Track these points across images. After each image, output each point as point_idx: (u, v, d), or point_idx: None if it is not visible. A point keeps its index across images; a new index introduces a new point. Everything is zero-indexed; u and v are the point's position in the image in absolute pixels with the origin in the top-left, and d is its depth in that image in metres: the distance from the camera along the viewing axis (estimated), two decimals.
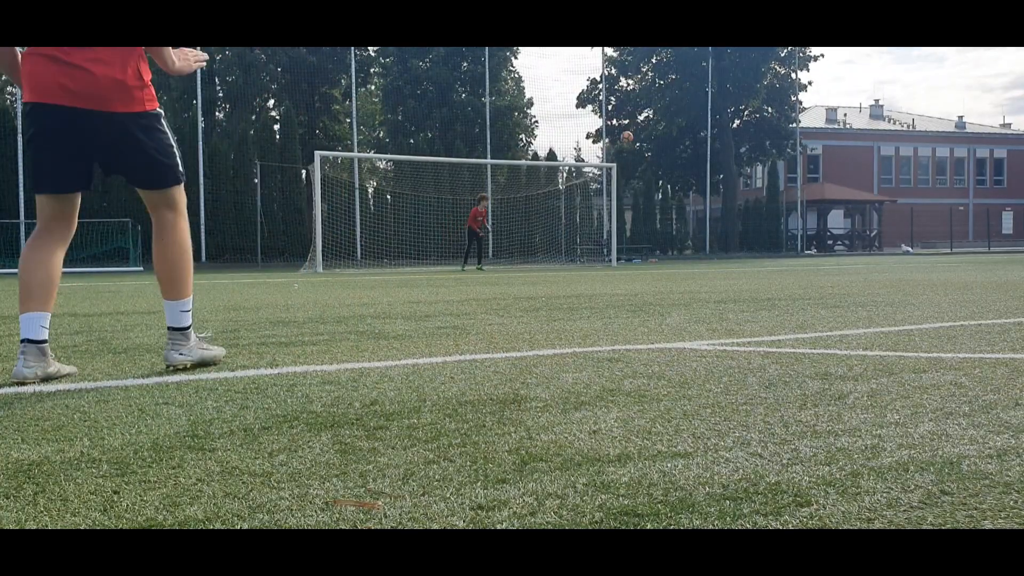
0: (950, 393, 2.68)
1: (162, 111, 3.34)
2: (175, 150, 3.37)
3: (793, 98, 39.93)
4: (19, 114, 24.59)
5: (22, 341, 3.07)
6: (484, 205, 20.70)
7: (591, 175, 40.04)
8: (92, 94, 3.10)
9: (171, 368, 3.32)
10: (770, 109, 40.07)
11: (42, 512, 1.56)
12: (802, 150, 44.24)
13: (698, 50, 36.07)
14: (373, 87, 38.30)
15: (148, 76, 3.26)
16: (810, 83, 56.69)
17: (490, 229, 21.20)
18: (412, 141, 33.24)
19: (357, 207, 27.99)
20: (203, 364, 3.39)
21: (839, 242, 44.81)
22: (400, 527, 1.47)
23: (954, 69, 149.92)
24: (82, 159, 3.20)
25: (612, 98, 41.17)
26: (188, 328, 3.39)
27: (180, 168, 3.41)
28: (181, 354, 3.33)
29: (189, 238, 3.47)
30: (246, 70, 33.27)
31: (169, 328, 3.37)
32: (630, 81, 42.40)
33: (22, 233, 23.76)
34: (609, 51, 39.88)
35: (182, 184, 3.44)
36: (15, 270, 18.78)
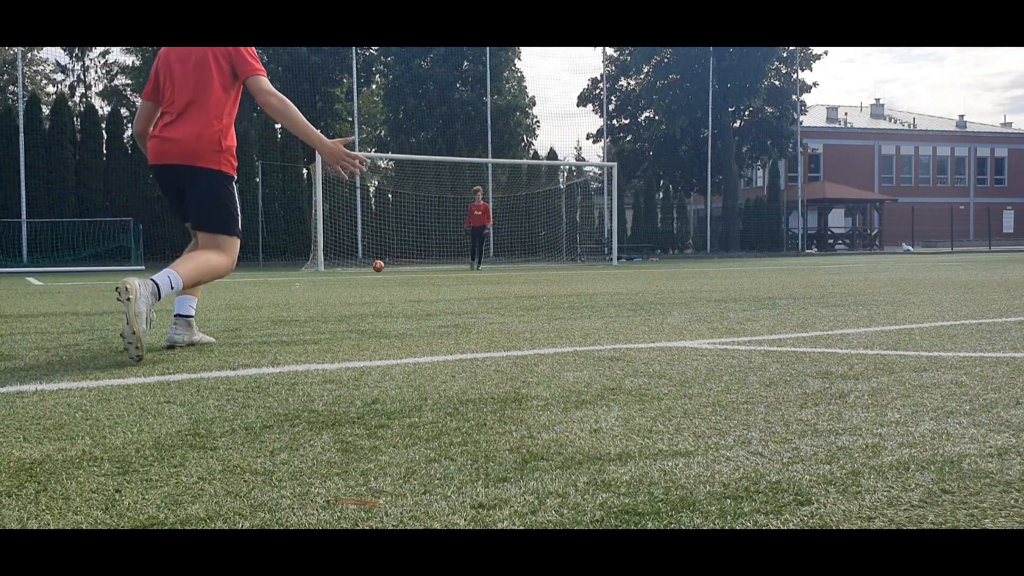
0: (951, 392, 2.68)
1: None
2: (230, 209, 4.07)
3: (795, 97, 39.90)
4: (21, 114, 24.61)
5: (176, 315, 4.04)
6: (479, 198, 19.86)
7: (592, 174, 40.06)
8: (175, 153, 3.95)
9: (170, 346, 4.02)
10: (771, 108, 40.03)
11: (44, 511, 1.57)
12: (803, 149, 44.21)
13: (699, 50, 36.01)
14: (375, 86, 38.32)
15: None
16: (815, 84, 56.40)
17: (490, 229, 20.73)
18: (414, 140, 33.25)
19: (359, 206, 28.00)
20: (192, 345, 4.09)
21: (840, 241, 44.77)
22: (401, 526, 1.48)
23: (954, 68, 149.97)
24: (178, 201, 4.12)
25: (613, 98, 41.14)
26: (190, 317, 4.12)
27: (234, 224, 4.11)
28: (178, 335, 4.04)
29: (218, 270, 4.04)
30: None
31: (176, 315, 4.11)
32: (631, 81, 42.37)
33: (24, 232, 23.77)
34: (610, 51, 39.87)
35: (233, 237, 4.11)
36: (18, 269, 18.66)
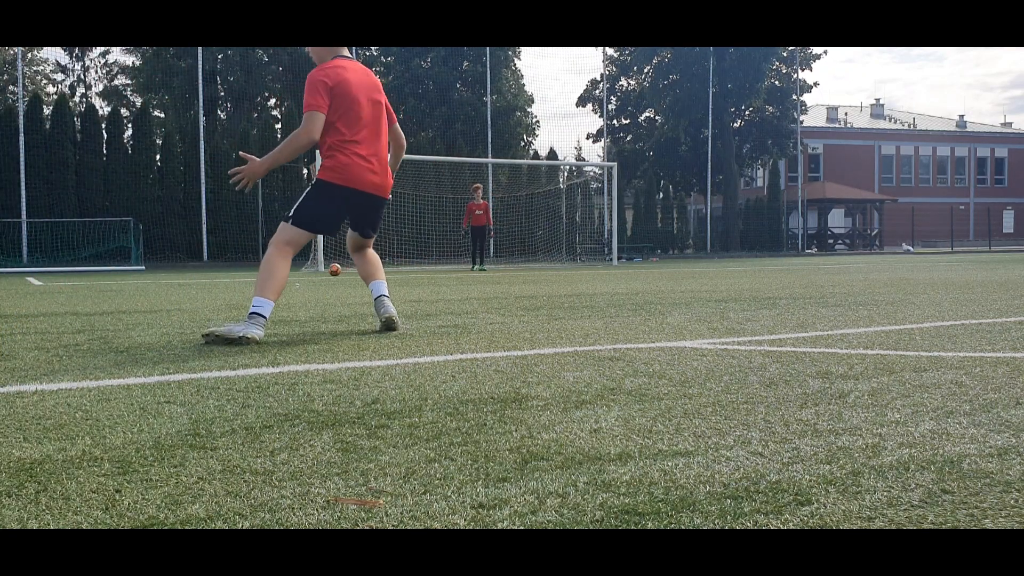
0: (951, 392, 2.68)
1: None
2: None
3: (795, 97, 39.91)
4: (21, 114, 24.60)
5: (258, 315, 4.20)
6: (479, 196, 18.84)
7: (592, 174, 40.05)
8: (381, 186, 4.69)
9: (388, 319, 4.67)
10: (771, 108, 40.04)
11: (44, 511, 1.57)
12: (803, 149, 44.20)
13: (699, 50, 36.00)
14: None
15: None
16: (815, 84, 56.21)
17: (492, 228, 19.66)
18: (413, 140, 33.24)
19: None
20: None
21: (840, 241, 44.77)
22: (401, 526, 1.48)
23: (954, 68, 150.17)
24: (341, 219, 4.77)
25: (613, 98, 41.15)
26: (388, 296, 4.82)
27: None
28: (391, 308, 4.75)
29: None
30: (248, 70, 33.30)
31: (382, 296, 4.77)
32: (631, 81, 42.39)
33: (24, 232, 23.77)
34: (609, 51, 39.87)
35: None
36: (18, 269, 18.60)
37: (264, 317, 4.22)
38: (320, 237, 19.89)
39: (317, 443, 2.06)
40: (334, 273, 14.34)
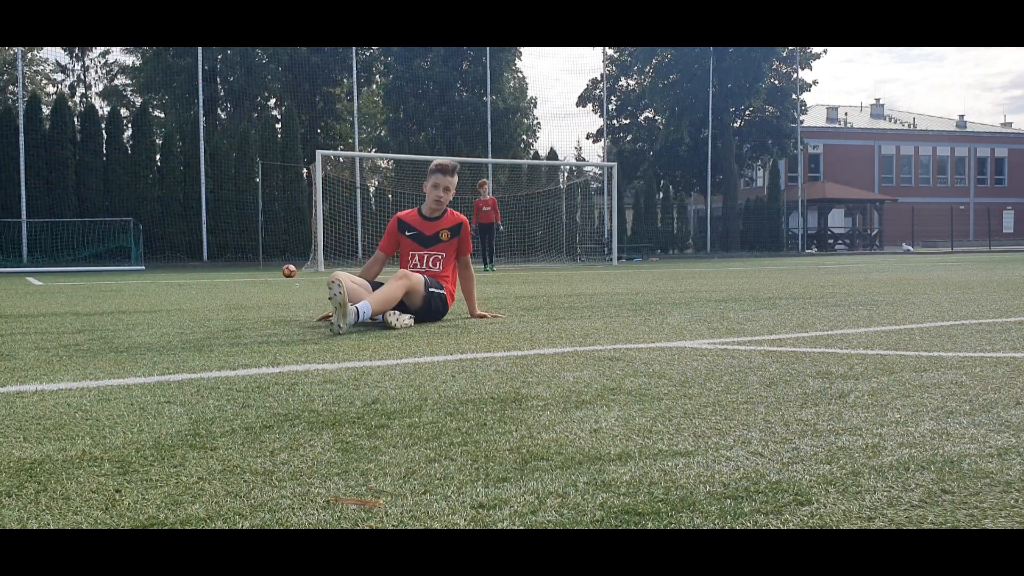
0: (951, 392, 2.68)
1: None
2: None
3: (795, 97, 39.91)
4: (21, 114, 24.60)
5: (359, 312, 4.66)
6: (486, 192, 18.21)
7: (592, 174, 40.05)
8: None
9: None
10: (771, 108, 40.03)
11: (44, 511, 1.57)
12: (803, 149, 44.21)
13: (699, 50, 36.00)
14: (375, 86, 38.32)
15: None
16: (815, 82, 56.09)
17: (500, 227, 18.71)
18: (413, 140, 33.25)
19: (358, 206, 27.99)
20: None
21: (840, 241, 44.77)
22: (401, 526, 1.48)
23: (954, 68, 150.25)
24: None
25: (613, 98, 41.14)
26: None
27: None
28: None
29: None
30: (248, 70, 33.30)
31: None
32: (631, 81, 42.39)
33: (24, 232, 23.77)
34: (610, 51, 39.86)
35: None
36: (18, 269, 18.64)
37: (358, 317, 4.66)
38: (320, 238, 19.92)
39: (317, 443, 2.06)
40: (289, 275, 13.85)
